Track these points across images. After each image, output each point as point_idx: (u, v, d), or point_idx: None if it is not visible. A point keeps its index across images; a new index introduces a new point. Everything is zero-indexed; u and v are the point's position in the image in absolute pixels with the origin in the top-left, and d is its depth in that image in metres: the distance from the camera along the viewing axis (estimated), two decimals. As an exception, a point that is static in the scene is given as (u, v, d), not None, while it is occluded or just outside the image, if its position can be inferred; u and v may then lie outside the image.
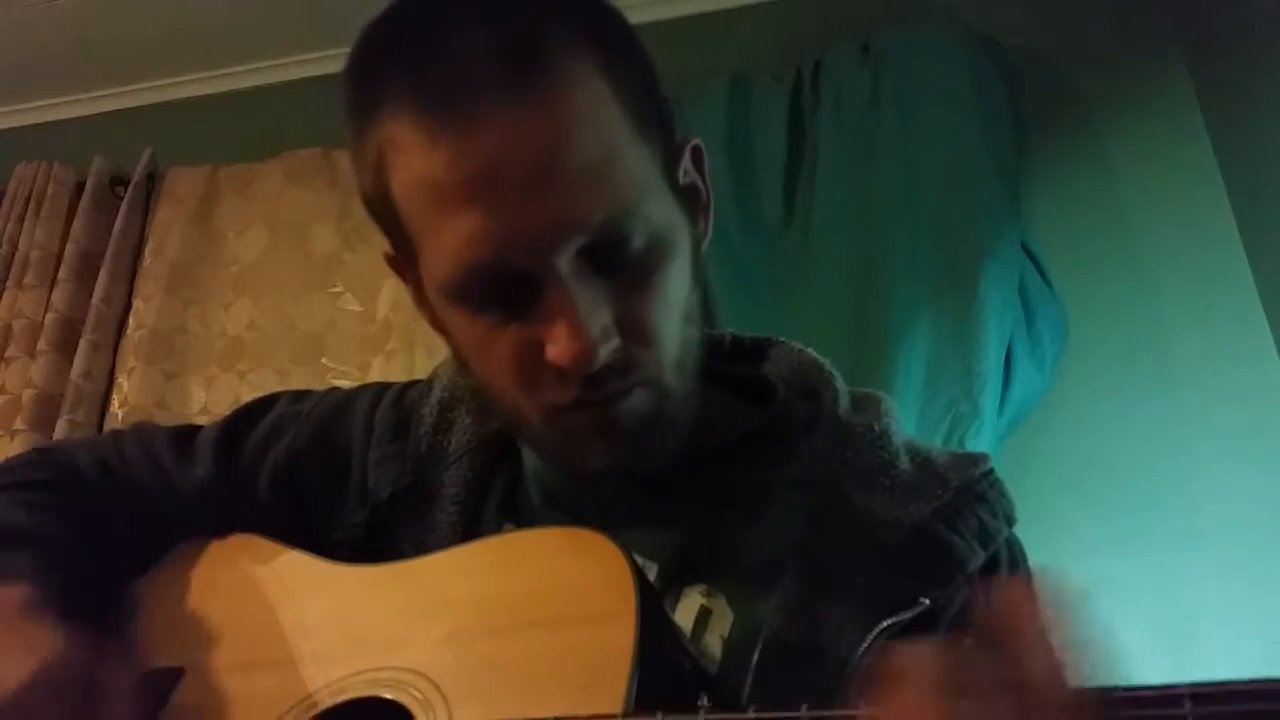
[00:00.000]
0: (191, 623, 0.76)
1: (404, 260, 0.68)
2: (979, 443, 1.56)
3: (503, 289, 0.61)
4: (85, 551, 0.77)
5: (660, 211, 0.63)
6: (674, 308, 0.64)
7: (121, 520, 0.81)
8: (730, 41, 2.03)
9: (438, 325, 0.70)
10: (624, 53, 0.64)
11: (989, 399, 1.59)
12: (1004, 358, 1.63)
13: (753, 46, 2.03)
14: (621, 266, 0.61)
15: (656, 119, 0.65)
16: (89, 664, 0.65)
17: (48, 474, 0.82)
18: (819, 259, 1.78)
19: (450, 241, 0.60)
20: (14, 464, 0.85)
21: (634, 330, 0.62)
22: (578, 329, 0.58)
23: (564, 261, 0.59)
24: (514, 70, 0.58)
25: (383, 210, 0.64)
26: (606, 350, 0.60)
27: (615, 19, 0.65)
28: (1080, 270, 1.75)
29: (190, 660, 0.73)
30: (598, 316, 0.60)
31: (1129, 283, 1.73)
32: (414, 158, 0.59)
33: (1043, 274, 1.72)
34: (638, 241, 0.61)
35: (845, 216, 1.78)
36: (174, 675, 0.73)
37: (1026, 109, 1.82)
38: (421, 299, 0.71)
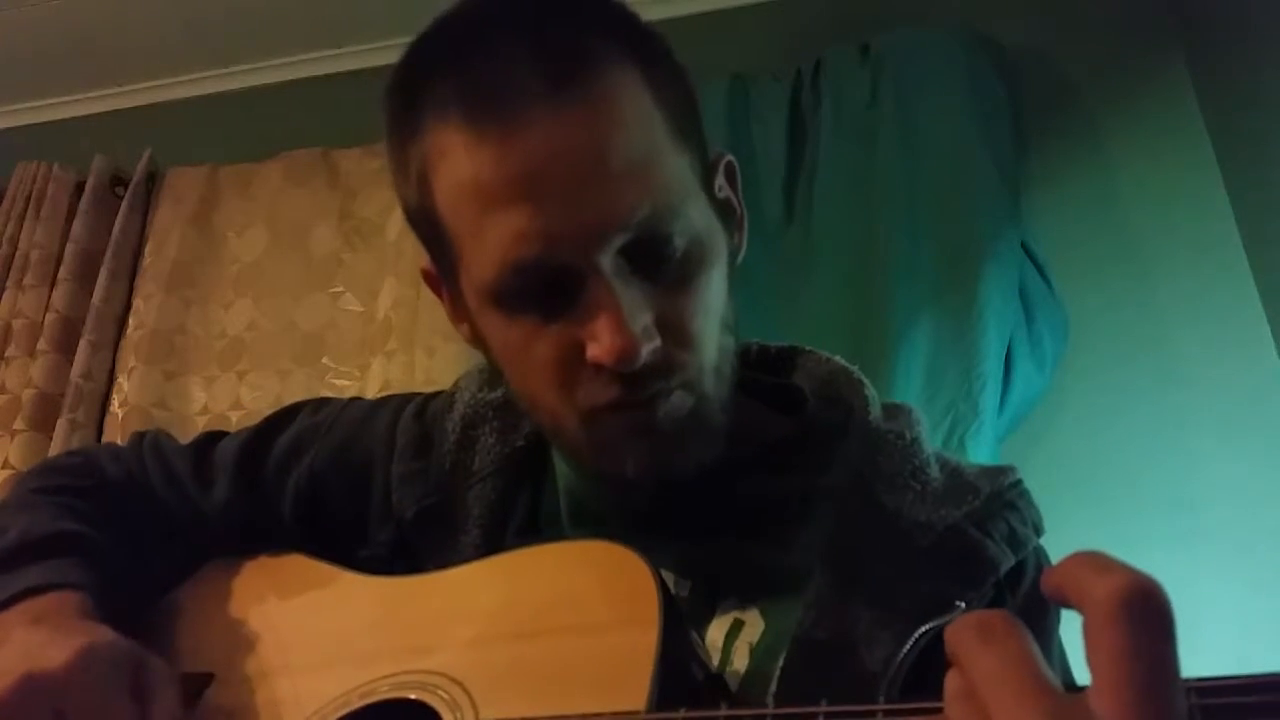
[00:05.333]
0: (221, 632, 0.77)
1: (443, 272, 0.69)
2: (979, 443, 1.56)
3: (544, 289, 0.61)
4: (125, 562, 0.78)
5: (699, 217, 0.64)
6: (713, 313, 0.65)
7: (150, 535, 0.82)
8: (730, 41, 2.03)
9: (476, 337, 0.70)
10: (664, 66, 0.65)
11: (989, 399, 1.59)
12: (1004, 358, 1.63)
13: (753, 46, 2.04)
14: (662, 268, 0.62)
15: (695, 133, 0.66)
16: (138, 655, 0.66)
17: (87, 482, 0.83)
18: (819, 259, 1.78)
19: (494, 240, 0.60)
20: (54, 467, 0.86)
21: (674, 332, 0.62)
22: (621, 325, 0.59)
23: (607, 259, 0.60)
24: (558, 75, 0.59)
25: (425, 221, 0.65)
26: (649, 349, 0.60)
27: (655, 36, 0.66)
28: (1080, 270, 1.75)
29: (219, 666, 0.74)
30: (640, 315, 0.60)
31: (1129, 283, 1.73)
32: (460, 160, 0.60)
33: (1043, 274, 1.72)
34: (678, 242, 0.62)
35: (845, 216, 1.78)
36: (203, 679, 0.74)
37: (1026, 109, 1.83)
38: (458, 314, 0.71)
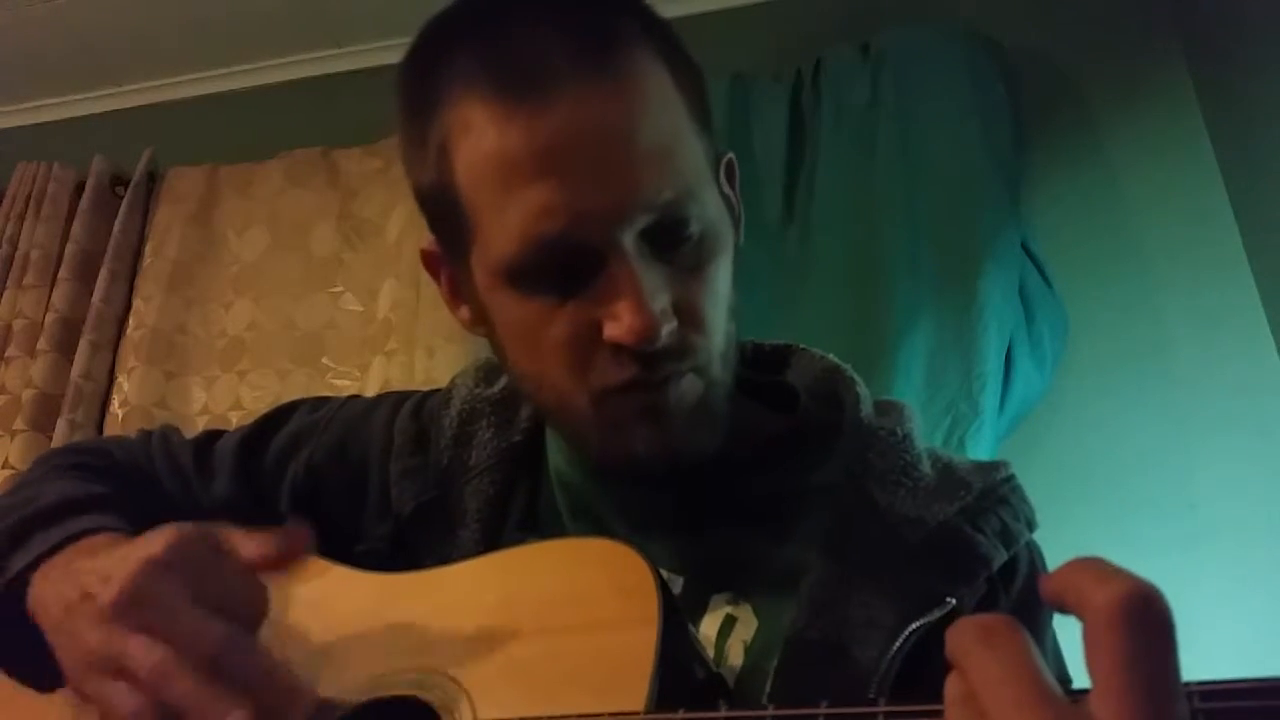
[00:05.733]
0: None
1: (451, 252, 0.69)
2: (979, 443, 1.56)
3: (563, 267, 0.61)
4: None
5: (713, 204, 0.65)
6: (722, 300, 0.65)
7: (156, 522, 0.81)
8: (730, 41, 2.03)
9: (477, 320, 0.70)
10: (681, 54, 0.66)
11: (989, 399, 1.59)
12: (1004, 358, 1.63)
13: (753, 46, 2.04)
14: (679, 251, 0.63)
15: (708, 122, 0.67)
16: (212, 532, 0.63)
17: (102, 462, 0.82)
18: (819, 259, 1.78)
19: (518, 216, 0.60)
20: (69, 449, 0.86)
21: (688, 316, 0.63)
22: (642, 305, 0.59)
23: (629, 238, 0.60)
24: (587, 54, 0.60)
25: (440, 197, 0.65)
26: (667, 330, 0.61)
27: (671, 26, 0.67)
28: (1080, 270, 1.75)
29: None
30: (660, 296, 0.61)
31: (1129, 283, 1.73)
32: (485, 134, 0.60)
33: (1043, 274, 1.72)
34: (694, 228, 0.63)
35: (845, 216, 1.78)
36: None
37: (1026, 109, 1.83)
38: (458, 296, 0.71)
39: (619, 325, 0.60)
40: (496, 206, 0.61)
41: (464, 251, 0.66)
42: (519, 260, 0.62)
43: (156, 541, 0.58)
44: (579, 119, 0.59)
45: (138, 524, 0.75)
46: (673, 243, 0.62)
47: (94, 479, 0.78)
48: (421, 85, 0.65)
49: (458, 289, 0.71)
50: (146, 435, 0.88)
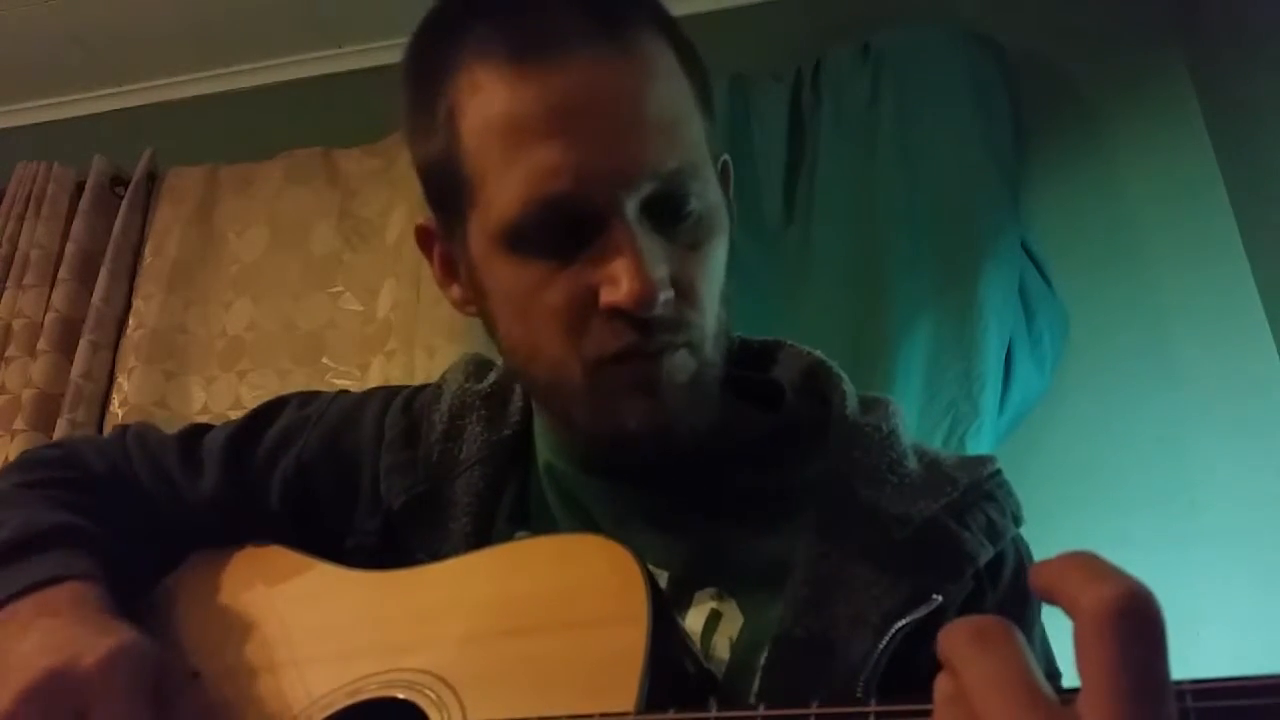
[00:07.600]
0: (207, 628, 0.76)
1: (447, 225, 0.69)
2: (979, 443, 1.56)
3: (563, 230, 0.62)
4: (116, 555, 0.77)
5: (713, 187, 0.67)
6: (717, 282, 0.66)
7: (136, 528, 0.81)
8: (730, 41, 2.03)
9: (467, 299, 0.71)
10: (689, 49, 0.68)
11: (989, 399, 1.59)
12: (1004, 358, 1.63)
13: (753, 46, 2.04)
14: (679, 227, 0.64)
15: (711, 111, 0.69)
16: (160, 659, 0.66)
17: (73, 474, 0.82)
18: (819, 259, 1.78)
19: (523, 174, 0.61)
20: (37, 461, 0.85)
21: (686, 291, 0.64)
22: (641, 269, 0.60)
23: (632, 205, 0.61)
24: (600, 28, 0.61)
25: (444, 164, 0.66)
26: (664, 298, 0.61)
27: (680, 26, 0.68)
28: (1080, 270, 1.75)
29: (205, 664, 0.73)
30: (658, 265, 0.61)
31: (1129, 283, 1.73)
32: (497, 93, 0.62)
33: (1043, 274, 1.72)
34: (695, 204, 0.64)
35: (845, 216, 1.78)
36: (189, 678, 0.73)
37: (1026, 109, 1.82)
38: (449, 274, 0.72)
39: (617, 289, 0.60)
40: (502, 165, 0.62)
41: (462, 220, 0.67)
42: (521, 220, 0.62)
43: (82, 658, 0.62)
44: (590, 82, 0.60)
45: (109, 539, 0.76)
46: (674, 217, 0.63)
47: (62, 502, 0.78)
48: (431, 57, 0.66)
49: (450, 266, 0.72)
50: (121, 433, 0.87)
